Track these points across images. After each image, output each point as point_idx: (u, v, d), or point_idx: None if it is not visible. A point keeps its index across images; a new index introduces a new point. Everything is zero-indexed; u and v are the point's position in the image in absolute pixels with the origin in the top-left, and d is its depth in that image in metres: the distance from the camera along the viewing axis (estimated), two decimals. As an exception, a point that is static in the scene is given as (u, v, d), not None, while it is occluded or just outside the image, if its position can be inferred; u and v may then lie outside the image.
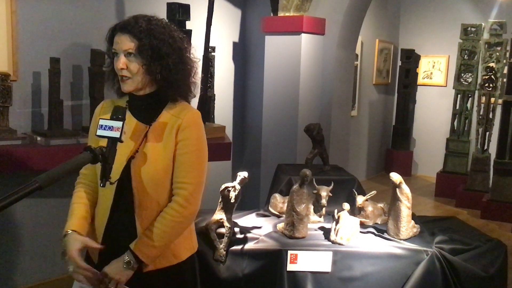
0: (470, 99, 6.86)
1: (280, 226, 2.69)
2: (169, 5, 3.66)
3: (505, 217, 5.65)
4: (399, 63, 7.96)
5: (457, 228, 2.90)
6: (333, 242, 2.53)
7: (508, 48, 5.99)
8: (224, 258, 2.46)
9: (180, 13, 3.62)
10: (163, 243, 1.70)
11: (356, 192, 2.90)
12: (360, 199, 2.81)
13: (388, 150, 8.24)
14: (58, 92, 3.24)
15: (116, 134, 1.53)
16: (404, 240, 2.58)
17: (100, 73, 3.31)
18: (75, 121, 3.58)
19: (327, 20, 4.54)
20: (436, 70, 7.91)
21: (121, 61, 1.66)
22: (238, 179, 2.45)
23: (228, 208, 2.49)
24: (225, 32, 4.85)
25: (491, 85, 6.23)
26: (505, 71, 6.07)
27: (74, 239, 1.70)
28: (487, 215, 5.83)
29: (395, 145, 8.11)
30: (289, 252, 2.44)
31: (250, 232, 2.64)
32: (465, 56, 6.79)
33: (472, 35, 6.71)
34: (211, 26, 3.83)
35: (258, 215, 3.00)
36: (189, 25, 3.75)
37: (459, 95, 6.88)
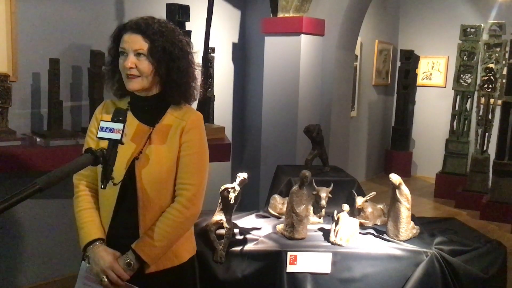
0: (469, 100, 6.86)
1: (280, 227, 2.69)
2: (169, 6, 3.66)
3: (505, 218, 5.64)
4: (399, 64, 7.97)
5: (457, 229, 2.90)
6: (332, 243, 2.53)
7: (508, 49, 5.99)
8: (223, 259, 2.46)
9: (179, 14, 3.63)
10: (165, 243, 1.70)
11: (355, 193, 2.90)
12: (359, 200, 2.81)
13: (387, 151, 8.24)
14: (58, 93, 3.24)
15: (117, 136, 1.53)
16: (403, 241, 2.58)
17: (99, 74, 3.31)
18: (74, 122, 3.58)
19: (326, 21, 4.55)
20: (435, 71, 7.92)
21: (130, 60, 1.66)
22: (238, 180, 2.45)
23: (228, 209, 2.49)
24: (225, 33, 4.85)
25: (490, 86, 6.24)
26: (505, 72, 6.08)
27: (105, 249, 1.70)
28: (486, 216, 5.83)
29: (395, 146, 8.12)
30: (289, 253, 2.43)
31: (249, 233, 2.64)
32: (465, 57, 6.79)
33: (471, 36, 6.71)
34: (211, 27, 3.83)
35: (258, 216, 3.00)
36: (188, 26, 3.75)
37: (458, 96, 6.89)
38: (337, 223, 2.56)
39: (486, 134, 6.34)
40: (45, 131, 3.28)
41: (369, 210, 2.84)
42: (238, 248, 2.50)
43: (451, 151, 6.90)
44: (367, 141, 7.70)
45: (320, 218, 2.87)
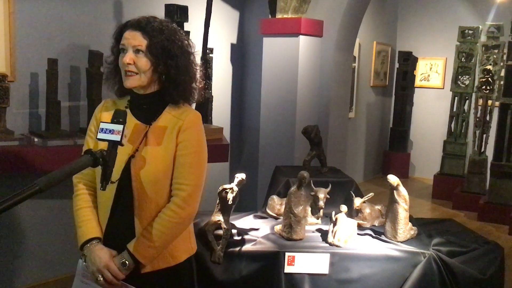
0: (467, 101, 6.88)
1: (278, 228, 2.69)
2: (167, 6, 3.66)
3: (502, 219, 5.65)
4: (397, 65, 7.98)
5: (455, 230, 2.90)
6: (330, 244, 2.53)
7: (506, 50, 6.00)
8: (221, 260, 2.46)
9: (178, 15, 3.63)
10: (160, 243, 1.70)
11: (353, 194, 2.90)
12: (357, 201, 2.81)
13: (385, 152, 8.25)
14: (56, 93, 3.24)
15: (116, 137, 1.53)
16: (401, 242, 2.58)
17: (98, 74, 3.31)
18: (72, 122, 3.58)
19: (325, 22, 4.55)
20: (433, 72, 7.93)
21: (129, 56, 1.67)
22: (236, 180, 2.45)
23: (226, 209, 2.49)
24: (223, 34, 4.85)
25: (488, 87, 6.25)
26: (502, 73, 6.09)
27: (101, 248, 1.71)
28: (484, 217, 5.83)
29: (393, 147, 8.13)
30: (287, 254, 2.44)
31: (247, 234, 2.64)
32: (463, 58, 6.81)
33: (469, 37, 6.73)
34: (209, 28, 3.83)
35: (256, 217, 3.00)
36: (187, 26, 3.75)
37: (456, 98, 6.90)
38: (335, 224, 2.57)
39: (484, 135, 6.35)
40: (43, 131, 3.28)
41: (367, 211, 2.84)
42: (236, 249, 2.50)
43: (449, 153, 6.91)
44: (365, 142, 7.70)
45: (318, 219, 2.88)
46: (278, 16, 4.47)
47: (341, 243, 2.51)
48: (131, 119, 1.75)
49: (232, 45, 4.99)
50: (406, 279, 2.43)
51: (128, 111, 1.76)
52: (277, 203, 2.97)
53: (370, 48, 7.45)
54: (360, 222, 2.78)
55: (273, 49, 4.50)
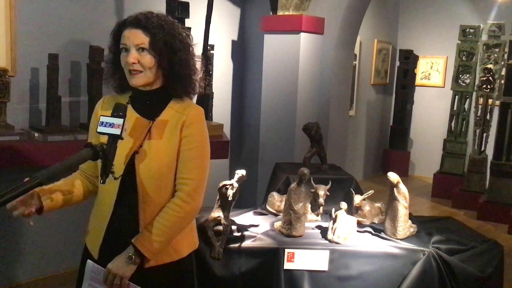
0: (467, 100, 6.87)
1: (278, 224, 2.70)
2: (169, 2, 3.66)
3: (501, 218, 5.66)
4: (397, 63, 7.98)
5: (454, 228, 2.91)
6: (330, 241, 2.53)
7: (507, 49, 6.00)
8: (221, 256, 2.46)
9: (179, 11, 3.62)
10: (165, 238, 1.70)
11: (353, 192, 2.90)
12: (357, 199, 2.81)
13: (385, 150, 8.25)
14: (56, 88, 3.24)
15: (116, 131, 1.53)
16: (401, 239, 2.59)
17: (98, 70, 3.31)
18: (73, 118, 3.58)
19: (326, 20, 4.55)
20: (434, 71, 7.93)
21: (133, 56, 1.66)
22: (236, 177, 2.46)
23: (226, 206, 2.49)
24: (224, 30, 4.84)
25: (489, 86, 6.24)
26: (503, 72, 6.08)
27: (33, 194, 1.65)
28: (483, 216, 5.84)
29: (393, 145, 8.13)
30: (286, 250, 2.44)
31: (247, 230, 2.64)
32: (463, 57, 6.80)
33: (470, 36, 6.72)
34: (210, 24, 3.83)
35: (256, 213, 3.00)
36: (188, 22, 3.75)
37: (457, 96, 6.89)
38: (334, 221, 2.57)
39: (484, 134, 6.35)
40: (43, 126, 3.28)
41: (366, 208, 2.84)
42: (235, 245, 2.50)
43: (449, 151, 6.91)
44: (365, 140, 7.70)
45: (318, 215, 2.88)
46: (279, 13, 4.47)
47: (340, 240, 2.52)
48: (132, 114, 1.75)
49: (233, 41, 4.99)
50: (405, 277, 2.43)
51: (129, 106, 1.76)
52: (277, 200, 2.97)
53: (371, 46, 7.44)
54: (360, 219, 2.79)
55: (274, 46, 4.50)
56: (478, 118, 6.38)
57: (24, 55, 3.28)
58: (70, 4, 3.50)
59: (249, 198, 4.57)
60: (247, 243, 2.51)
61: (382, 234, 2.66)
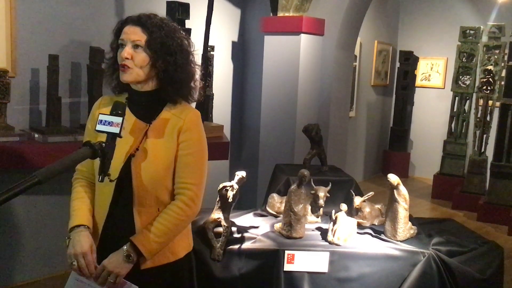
0: (468, 101, 6.87)
1: (278, 226, 2.69)
2: (169, 3, 3.66)
3: (502, 219, 5.65)
4: (398, 64, 7.98)
5: (454, 230, 2.90)
6: (330, 243, 2.53)
7: (507, 51, 6.00)
8: (221, 257, 2.46)
9: (179, 12, 3.63)
10: (164, 239, 1.71)
11: (353, 193, 2.90)
12: (357, 200, 2.81)
13: (385, 151, 8.25)
14: (57, 89, 3.24)
15: (115, 129, 1.53)
16: (401, 241, 2.58)
17: (99, 71, 3.31)
18: (73, 119, 3.58)
19: (326, 21, 4.55)
20: (434, 72, 7.93)
21: (127, 51, 1.67)
22: (236, 178, 2.45)
23: (226, 207, 2.49)
24: (224, 32, 4.84)
25: (489, 87, 6.24)
26: (503, 74, 6.08)
27: (87, 236, 1.71)
28: (483, 217, 5.83)
29: (393, 147, 8.13)
30: (286, 252, 2.44)
31: (247, 232, 2.64)
32: (464, 58, 6.80)
33: (470, 37, 6.72)
34: (211, 25, 3.83)
35: (256, 214, 3.00)
36: (188, 24, 3.75)
37: (457, 98, 6.90)
38: (334, 223, 2.56)
39: (484, 136, 6.35)
40: (43, 127, 3.28)
41: (367, 210, 2.84)
42: (235, 247, 2.50)
43: (449, 153, 6.91)
44: (365, 142, 7.70)
45: (318, 217, 2.88)
46: (280, 14, 4.47)
47: (340, 241, 2.51)
48: (130, 116, 1.75)
49: (233, 43, 4.99)
50: (405, 278, 2.43)
51: (126, 107, 1.76)
52: (277, 201, 2.97)
53: (371, 47, 7.44)
54: (360, 221, 2.78)
55: (274, 47, 4.50)
56: (478, 119, 6.38)
57: (24, 56, 3.28)
58: (71, 5, 3.50)
59: (249, 199, 4.57)
60: (247, 245, 2.51)
61: (382, 236, 2.65)
